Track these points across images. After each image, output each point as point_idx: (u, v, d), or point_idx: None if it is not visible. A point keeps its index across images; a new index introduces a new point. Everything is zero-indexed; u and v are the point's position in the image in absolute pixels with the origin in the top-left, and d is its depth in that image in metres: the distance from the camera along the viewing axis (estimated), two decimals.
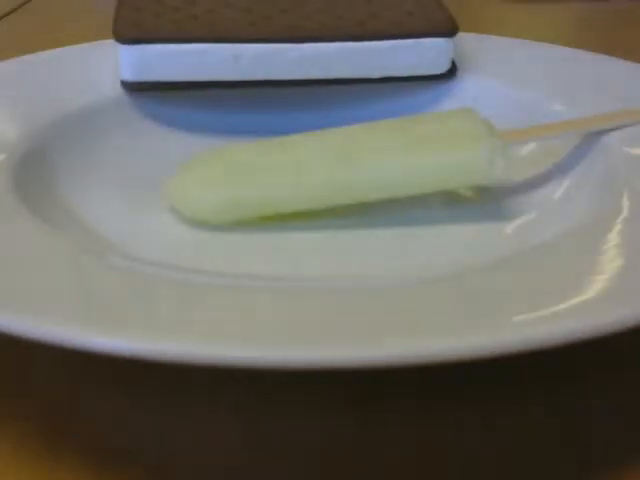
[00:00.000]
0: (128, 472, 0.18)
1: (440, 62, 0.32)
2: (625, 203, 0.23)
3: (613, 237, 0.21)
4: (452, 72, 0.32)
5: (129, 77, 0.31)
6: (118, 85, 0.31)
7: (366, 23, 0.31)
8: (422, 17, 0.32)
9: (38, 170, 0.27)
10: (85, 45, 0.36)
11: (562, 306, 0.18)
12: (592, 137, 0.28)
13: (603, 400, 0.20)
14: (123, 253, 0.24)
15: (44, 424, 0.20)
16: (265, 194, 0.25)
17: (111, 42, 0.31)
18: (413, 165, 0.25)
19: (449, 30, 0.31)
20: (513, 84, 0.32)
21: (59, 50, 0.35)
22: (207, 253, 0.25)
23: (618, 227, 0.22)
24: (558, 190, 0.27)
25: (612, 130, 0.27)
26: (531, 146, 0.30)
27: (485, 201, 0.27)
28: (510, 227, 0.26)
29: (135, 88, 0.31)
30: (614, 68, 0.33)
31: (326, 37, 0.30)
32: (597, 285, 0.19)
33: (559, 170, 0.28)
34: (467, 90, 0.32)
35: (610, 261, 0.20)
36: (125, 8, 0.32)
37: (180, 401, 0.20)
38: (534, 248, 0.22)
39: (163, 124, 0.32)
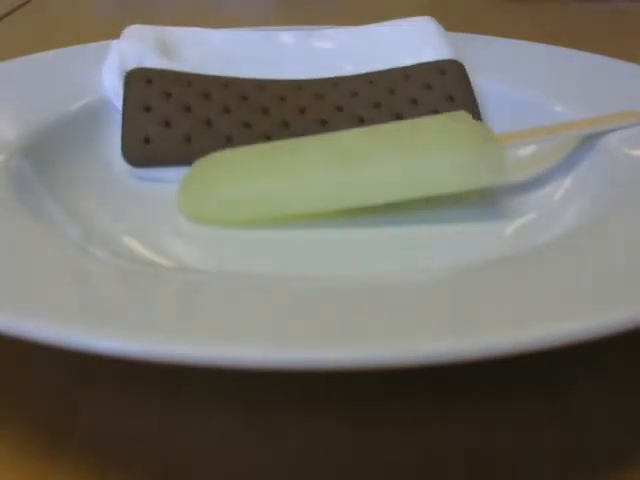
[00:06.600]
0: (128, 472, 0.18)
1: None
2: (625, 203, 0.23)
3: (613, 237, 0.21)
4: None
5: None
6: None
7: None
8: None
9: (38, 171, 0.27)
10: (85, 45, 0.36)
11: (562, 306, 0.18)
12: (592, 138, 0.28)
13: (603, 400, 0.20)
14: (123, 253, 0.24)
15: (44, 425, 0.20)
16: (266, 196, 0.25)
17: (111, 42, 0.31)
18: (411, 169, 0.25)
19: None
20: (513, 85, 0.32)
21: (59, 50, 0.35)
22: (207, 253, 0.25)
23: (618, 227, 0.22)
24: (558, 190, 0.27)
25: (612, 131, 0.27)
26: (531, 147, 0.30)
27: (485, 201, 0.27)
28: (510, 227, 0.26)
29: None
30: (614, 68, 0.33)
31: None
32: (597, 285, 0.19)
33: (559, 171, 0.28)
34: None
35: (610, 261, 0.20)
36: (134, 106, 0.30)
37: (180, 401, 0.20)
38: (534, 248, 0.22)
39: None
